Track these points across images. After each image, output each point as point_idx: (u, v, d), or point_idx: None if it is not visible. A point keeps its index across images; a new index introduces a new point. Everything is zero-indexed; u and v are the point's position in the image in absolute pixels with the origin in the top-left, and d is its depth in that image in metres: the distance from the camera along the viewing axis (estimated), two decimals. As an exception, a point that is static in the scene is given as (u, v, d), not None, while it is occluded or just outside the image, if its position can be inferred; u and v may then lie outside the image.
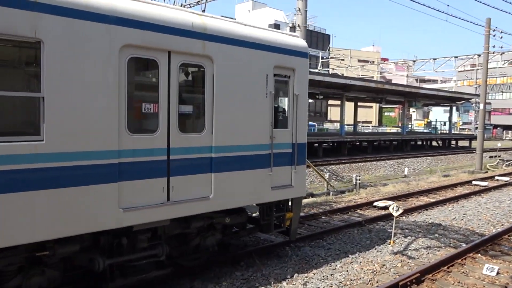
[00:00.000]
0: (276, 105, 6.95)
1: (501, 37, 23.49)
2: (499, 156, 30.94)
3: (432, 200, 13.42)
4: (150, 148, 5.18)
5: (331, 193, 15.71)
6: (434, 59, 37.62)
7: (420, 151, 33.41)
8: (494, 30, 22.81)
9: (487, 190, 15.49)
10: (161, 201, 5.25)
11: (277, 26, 66.03)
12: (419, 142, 38.72)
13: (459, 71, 77.73)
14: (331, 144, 31.35)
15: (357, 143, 32.22)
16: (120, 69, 4.85)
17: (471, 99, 41.12)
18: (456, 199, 13.66)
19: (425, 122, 62.01)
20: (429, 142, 38.85)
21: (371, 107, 77.74)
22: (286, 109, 7.08)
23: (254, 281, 6.20)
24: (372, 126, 67.55)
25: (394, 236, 8.75)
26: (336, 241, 8.71)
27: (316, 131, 47.14)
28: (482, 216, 10.95)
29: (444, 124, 47.83)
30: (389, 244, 8.51)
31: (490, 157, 31.37)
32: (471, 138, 40.58)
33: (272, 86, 6.61)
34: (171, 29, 5.32)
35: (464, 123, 65.58)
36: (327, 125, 62.40)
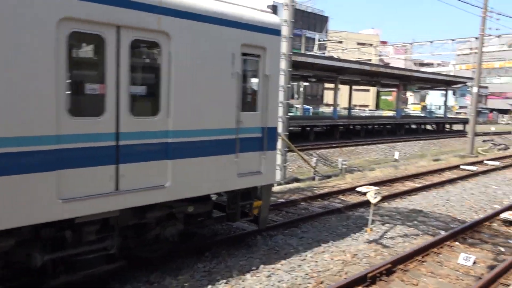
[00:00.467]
0: (245, 87, 6.51)
1: (498, 19, 22.85)
2: (492, 140, 30.76)
3: (417, 185, 13.15)
4: (95, 132, 4.76)
5: (316, 178, 15.41)
6: (431, 42, 37.01)
7: (413, 135, 33.11)
8: (491, 12, 22.16)
9: (474, 175, 15.23)
10: (108, 191, 4.86)
11: (274, 7, 64.62)
12: (414, 126, 38.37)
13: (457, 55, 76.87)
14: (324, 128, 31.00)
15: (350, 127, 31.85)
16: (59, 44, 4.39)
17: (467, 82, 40.56)
18: (441, 184, 13.39)
19: (421, 106, 61.57)
20: (423, 126, 38.53)
21: (368, 90, 77.16)
22: (256, 91, 6.65)
23: (216, 274, 5.90)
24: (369, 110, 67.07)
25: (371, 224, 8.46)
26: (311, 229, 8.42)
27: (311, 114, 46.66)
28: (465, 202, 10.68)
29: (439, 108, 47.40)
30: (366, 232, 8.24)
31: (483, 141, 31.18)
32: (465, 122, 40.22)
33: (239, 66, 6.16)
34: (120, 1, 4.83)
35: (460, 107, 65.14)
36: (323, 109, 61.81)
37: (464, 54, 77.05)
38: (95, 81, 4.86)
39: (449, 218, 9.26)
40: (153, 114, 5.36)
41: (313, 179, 15.42)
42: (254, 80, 6.63)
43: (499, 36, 32.04)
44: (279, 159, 15.28)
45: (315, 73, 27.10)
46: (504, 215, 9.08)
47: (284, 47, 14.43)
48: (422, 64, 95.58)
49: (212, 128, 5.94)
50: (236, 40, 6.06)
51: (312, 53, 42.04)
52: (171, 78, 5.38)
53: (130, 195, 5.05)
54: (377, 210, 9.90)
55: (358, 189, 12.15)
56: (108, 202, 4.85)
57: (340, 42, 57.59)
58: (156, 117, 5.35)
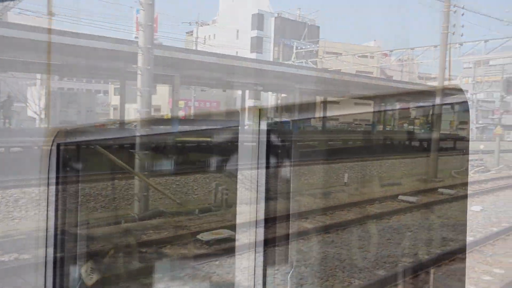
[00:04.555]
0: None
1: (463, 14, 18.99)
2: (481, 160, 26.47)
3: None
4: None
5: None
6: (412, 49, 33.17)
7: (394, 153, 28.92)
8: (454, 6, 18.31)
9: (406, 209, 11.22)
10: None
11: (260, 16, 61.61)
12: (406, 143, 34.11)
13: (464, 68, 72.10)
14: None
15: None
16: None
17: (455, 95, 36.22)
18: (335, 227, 9.46)
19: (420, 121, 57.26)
20: (407, 143, 34.26)
21: (370, 105, 73.21)
22: None
23: None
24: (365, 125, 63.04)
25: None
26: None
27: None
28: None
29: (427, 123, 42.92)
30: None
31: (470, 160, 26.87)
32: (456, 139, 35.77)
33: None
34: None
35: (463, 122, 60.15)
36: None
37: (469, 68, 72.24)
38: None
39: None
40: None
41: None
42: None
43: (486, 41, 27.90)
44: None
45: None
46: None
47: (141, 37, 11.05)
48: (429, 78, 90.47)
49: None
50: None
51: (289, 62, 38.57)
52: None
53: None
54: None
55: (200, 235, 8.40)
56: None
57: (340, 53, 53.88)
58: None
